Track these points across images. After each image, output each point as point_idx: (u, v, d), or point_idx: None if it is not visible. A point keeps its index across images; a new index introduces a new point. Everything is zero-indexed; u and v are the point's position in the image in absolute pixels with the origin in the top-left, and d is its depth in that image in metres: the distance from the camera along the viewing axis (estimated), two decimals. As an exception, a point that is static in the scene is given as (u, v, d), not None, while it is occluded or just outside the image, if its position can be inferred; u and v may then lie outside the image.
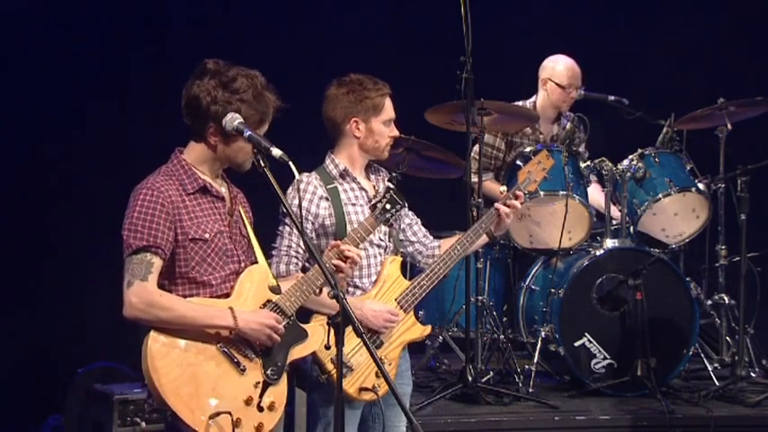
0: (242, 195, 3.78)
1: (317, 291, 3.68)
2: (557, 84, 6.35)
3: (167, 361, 3.40)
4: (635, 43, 7.50)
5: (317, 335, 3.69)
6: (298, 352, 3.65)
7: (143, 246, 3.43)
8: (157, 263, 3.45)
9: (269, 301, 3.61)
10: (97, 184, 6.23)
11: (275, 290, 3.64)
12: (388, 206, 4.01)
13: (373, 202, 4.06)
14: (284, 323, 3.59)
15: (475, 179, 5.61)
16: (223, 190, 3.66)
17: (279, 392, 3.57)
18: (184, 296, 3.51)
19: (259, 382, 3.52)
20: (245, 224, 3.70)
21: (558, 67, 6.37)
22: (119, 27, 6.46)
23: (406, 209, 4.13)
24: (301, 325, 3.69)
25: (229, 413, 3.40)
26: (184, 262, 3.50)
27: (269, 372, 3.54)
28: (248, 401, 3.48)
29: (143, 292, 3.41)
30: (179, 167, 3.58)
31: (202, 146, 3.59)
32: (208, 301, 3.52)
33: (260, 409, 3.50)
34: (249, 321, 3.50)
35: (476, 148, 6.34)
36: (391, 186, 4.04)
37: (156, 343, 3.41)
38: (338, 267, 3.72)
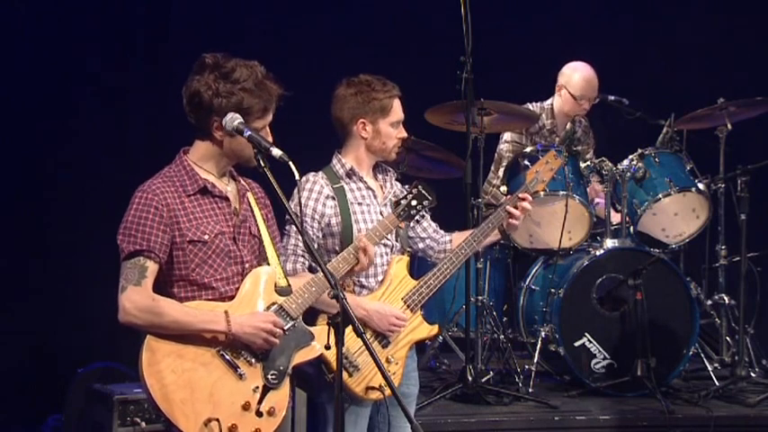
0: (260, 191, 3.71)
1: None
2: (570, 93, 6.36)
3: (162, 366, 3.36)
4: (635, 43, 7.50)
5: (324, 336, 3.54)
6: (303, 355, 3.57)
7: (136, 250, 3.40)
8: (152, 267, 3.41)
9: (274, 303, 3.55)
10: (97, 184, 6.22)
11: (284, 291, 3.58)
12: (414, 202, 4.00)
13: (397, 198, 4.04)
14: (288, 326, 3.53)
15: (495, 181, 5.67)
16: (229, 189, 3.59)
17: (280, 397, 3.49)
18: (185, 298, 3.47)
19: (258, 387, 3.46)
20: (256, 223, 3.62)
21: (575, 77, 6.39)
22: (119, 27, 6.45)
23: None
24: (308, 327, 3.61)
25: (218, 420, 3.36)
26: (183, 264, 3.47)
27: (270, 376, 3.48)
28: (246, 407, 3.42)
29: (136, 296, 3.37)
30: (181, 168, 3.54)
31: (208, 143, 3.53)
32: (205, 305, 3.45)
33: (259, 414, 3.44)
34: (244, 325, 3.43)
35: (503, 146, 6.38)
36: (419, 182, 4.03)
37: (151, 348, 3.38)
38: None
